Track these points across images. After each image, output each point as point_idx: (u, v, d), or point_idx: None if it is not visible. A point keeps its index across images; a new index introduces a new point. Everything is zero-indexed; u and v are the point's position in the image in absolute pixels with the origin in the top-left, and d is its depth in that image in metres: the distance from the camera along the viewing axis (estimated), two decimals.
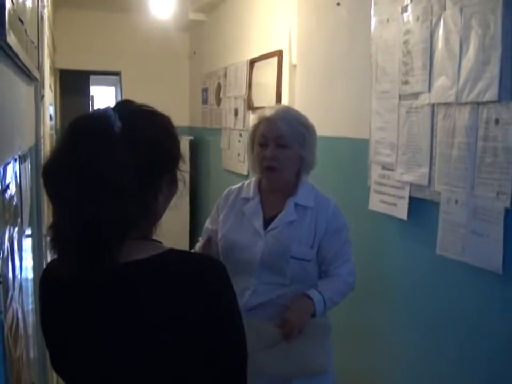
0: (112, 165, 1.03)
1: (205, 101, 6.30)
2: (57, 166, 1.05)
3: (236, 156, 4.97)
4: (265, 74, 4.36)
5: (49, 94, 4.28)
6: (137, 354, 1.07)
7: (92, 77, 8.98)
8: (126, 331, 1.07)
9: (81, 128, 1.09)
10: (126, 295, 1.08)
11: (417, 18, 2.20)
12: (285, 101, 3.98)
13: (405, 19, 2.29)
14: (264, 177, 2.08)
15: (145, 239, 1.15)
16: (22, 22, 1.42)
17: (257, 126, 2.08)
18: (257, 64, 4.60)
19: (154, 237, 1.19)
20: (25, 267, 1.76)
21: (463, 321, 2.05)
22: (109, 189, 1.02)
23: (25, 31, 1.55)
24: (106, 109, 1.11)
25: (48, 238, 1.09)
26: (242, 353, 1.18)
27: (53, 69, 5.67)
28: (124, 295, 1.08)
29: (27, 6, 1.61)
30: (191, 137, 6.58)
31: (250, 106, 4.68)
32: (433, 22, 2.09)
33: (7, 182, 1.24)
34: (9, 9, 1.15)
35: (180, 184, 1.22)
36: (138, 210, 1.07)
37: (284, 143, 2.00)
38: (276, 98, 4.10)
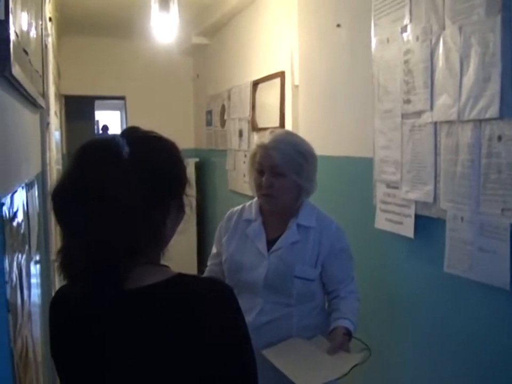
0: (120, 190, 1.04)
1: (209, 123, 6.34)
2: (66, 191, 1.06)
3: (242, 177, 4.98)
4: (269, 95, 4.39)
5: (54, 120, 4.33)
6: (146, 381, 1.07)
7: (97, 102, 9.10)
8: (133, 357, 1.07)
9: (89, 154, 1.10)
10: (134, 321, 1.08)
11: (417, 38, 2.21)
12: (288, 121, 4.01)
13: (405, 39, 2.31)
14: (262, 202, 2.11)
15: (154, 264, 1.15)
16: (26, 53, 1.44)
17: (255, 152, 2.09)
18: (260, 86, 4.64)
19: (163, 261, 1.20)
20: (34, 293, 1.77)
21: (472, 338, 2.03)
22: (117, 215, 1.03)
23: (30, 61, 1.57)
24: (114, 135, 1.13)
25: (56, 263, 1.10)
26: (253, 377, 1.18)
27: (58, 95, 5.73)
28: (132, 322, 1.08)
29: (31, 37, 1.64)
30: (197, 159, 6.61)
31: (255, 127, 4.71)
32: (433, 41, 2.11)
33: (14, 210, 1.26)
34: (13, 41, 1.17)
35: (187, 209, 1.23)
36: (147, 236, 1.07)
37: (279, 172, 2.01)
38: (279, 119, 4.13)
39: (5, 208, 1.11)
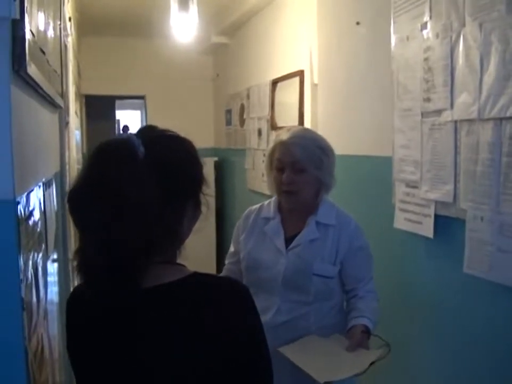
0: (136, 190, 1.04)
1: (229, 122, 6.35)
2: (82, 192, 1.07)
3: (260, 176, 4.98)
4: (288, 94, 4.38)
5: (74, 120, 4.37)
6: (165, 378, 1.07)
7: (117, 102, 9.16)
8: (148, 356, 1.07)
9: (105, 154, 1.10)
10: (150, 319, 1.08)
11: (437, 35, 2.18)
12: (307, 120, 3.99)
13: (425, 36, 2.28)
14: (282, 200, 2.09)
15: (170, 263, 1.15)
16: (43, 52, 1.45)
17: (273, 149, 2.07)
18: (279, 85, 4.63)
19: (179, 260, 1.20)
20: (51, 291, 1.78)
21: (492, 339, 2.00)
22: (133, 214, 1.03)
23: (47, 60, 1.58)
24: (130, 135, 1.13)
25: (73, 263, 1.10)
26: (268, 378, 1.17)
27: (79, 95, 5.79)
28: (148, 320, 1.08)
29: (49, 37, 1.65)
30: (216, 158, 6.62)
31: (274, 126, 4.70)
32: (453, 38, 2.08)
33: (30, 209, 1.26)
34: (29, 40, 1.18)
35: (204, 208, 1.23)
36: (163, 235, 1.07)
37: (300, 168, 1.99)
38: (298, 118, 4.11)
39: (20, 207, 1.11)
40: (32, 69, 1.19)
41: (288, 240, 2.06)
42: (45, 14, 1.54)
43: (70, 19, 3.75)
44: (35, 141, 1.46)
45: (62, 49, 2.31)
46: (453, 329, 2.23)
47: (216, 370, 1.08)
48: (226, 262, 2.28)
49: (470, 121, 2.00)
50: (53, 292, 1.80)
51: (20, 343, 1.06)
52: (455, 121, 2.10)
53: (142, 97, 7.22)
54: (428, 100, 2.28)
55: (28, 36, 1.17)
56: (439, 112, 2.21)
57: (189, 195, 1.16)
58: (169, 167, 1.11)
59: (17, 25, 1.09)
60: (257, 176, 5.12)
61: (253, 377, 1.14)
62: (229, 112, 6.33)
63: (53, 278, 1.91)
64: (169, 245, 1.13)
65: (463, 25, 2.02)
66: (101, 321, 1.11)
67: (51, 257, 1.83)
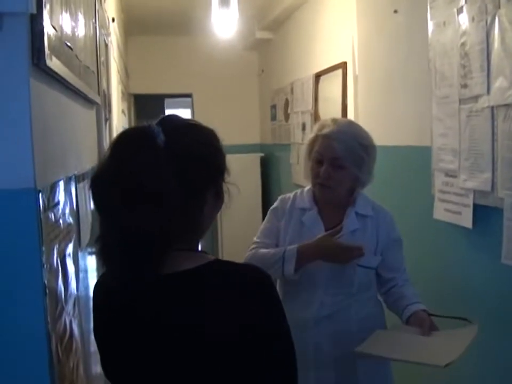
0: (155, 177, 1.05)
1: (274, 118, 6.36)
2: (103, 179, 1.10)
3: None
4: (331, 87, 4.35)
5: (121, 118, 4.47)
6: (185, 362, 1.09)
7: (167, 100, 9.29)
8: (171, 340, 1.09)
9: (125, 142, 1.13)
10: (171, 305, 1.10)
11: (473, 19, 2.12)
12: (350, 112, 3.94)
13: (461, 21, 2.22)
14: (316, 191, 2.06)
15: (191, 250, 1.17)
16: (70, 48, 1.49)
17: (314, 140, 2.03)
18: (322, 78, 4.60)
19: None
20: (87, 285, 1.83)
21: None
22: (152, 201, 1.05)
23: (77, 56, 1.63)
24: (150, 124, 1.15)
25: (95, 249, 1.14)
26: (292, 365, 1.17)
27: (127, 94, 5.92)
28: (169, 305, 1.10)
29: (78, 34, 1.70)
30: (262, 154, 6.65)
31: (317, 120, 4.66)
32: (489, 21, 2.02)
33: (55, 200, 1.30)
34: (50, 35, 1.22)
35: (226, 197, 1.23)
36: (182, 222, 1.08)
37: (340, 164, 1.95)
38: (341, 111, 4.07)
39: (43, 196, 1.15)
40: (53, 63, 1.22)
41: (328, 231, 2.02)
42: (72, 11, 1.58)
43: (113, 19, 3.85)
44: (63, 133, 1.50)
45: (99, 48, 2.36)
46: (491, 320, 2.17)
47: (236, 353, 1.09)
48: (257, 241, 2.09)
49: (506, 106, 1.94)
50: (91, 286, 1.84)
51: (41, 325, 1.10)
52: (492, 107, 2.04)
53: (189, 96, 7.31)
54: (465, 86, 2.22)
55: (49, 30, 1.20)
56: (476, 98, 2.15)
57: (209, 184, 1.16)
58: (189, 155, 1.12)
59: (35, 20, 1.12)
60: (302, 171, 5.09)
61: (278, 359, 1.14)
62: (274, 107, 6.34)
63: (91, 272, 1.96)
64: (190, 233, 1.15)
65: (498, 7, 1.95)
66: (122, 307, 1.14)
67: (88, 250, 1.87)
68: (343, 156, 1.94)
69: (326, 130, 1.98)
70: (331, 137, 1.95)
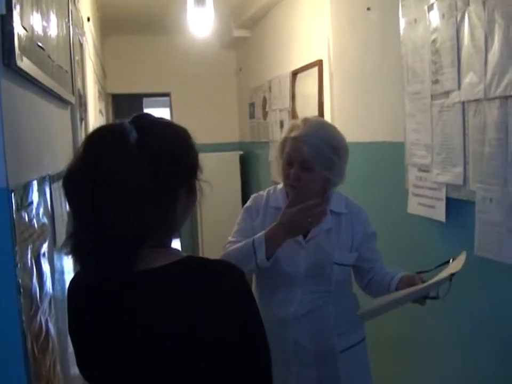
0: (127, 174, 1.07)
1: (252, 116, 6.38)
2: (75, 175, 1.10)
3: None
4: (307, 84, 4.37)
5: (98, 118, 4.45)
6: (159, 360, 1.10)
7: (146, 100, 9.26)
8: (147, 338, 1.10)
9: (97, 138, 1.14)
10: (144, 301, 1.11)
11: (443, 16, 2.16)
12: (327, 110, 3.97)
13: (432, 18, 2.26)
14: (288, 191, 2.05)
15: (164, 247, 1.18)
16: (42, 48, 1.49)
17: (285, 141, 2.01)
18: (299, 75, 4.62)
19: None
20: (64, 285, 1.82)
21: (504, 321, 1.98)
22: (123, 197, 1.06)
23: (49, 56, 1.62)
24: (123, 121, 1.15)
25: (67, 247, 1.14)
26: (266, 361, 1.18)
27: (104, 94, 5.88)
28: (142, 302, 1.11)
29: (49, 33, 1.69)
30: (241, 152, 6.66)
31: (295, 118, 4.68)
32: (458, 18, 2.05)
33: (29, 199, 1.30)
34: (21, 35, 1.22)
35: (198, 194, 1.25)
36: (155, 219, 1.09)
37: (309, 167, 1.94)
38: (318, 108, 4.10)
39: (15, 196, 1.15)
40: (24, 63, 1.23)
41: None
42: (43, 11, 1.58)
43: (88, 19, 3.83)
44: (36, 134, 1.50)
45: (73, 47, 2.35)
46: (464, 312, 2.21)
47: (211, 350, 1.10)
48: (232, 241, 2.06)
49: (477, 101, 1.98)
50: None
51: (16, 323, 1.10)
52: (463, 102, 2.08)
53: (167, 95, 7.29)
54: (436, 82, 2.26)
55: (19, 30, 1.20)
56: (447, 93, 2.19)
57: (181, 181, 1.17)
58: (161, 152, 1.13)
59: (5, 21, 1.12)
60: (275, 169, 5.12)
61: (251, 358, 1.16)
62: (252, 105, 6.35)
63: (69, 274, 1.95)
64: (163, 230, 1.15)
65: (468, 4, 1.99)
66: (96, 305, 1.14)
67: (63, 251, 1.86)
68: (312, 159, 1.92)
69: (295, 133, 1.96)
70: (300, 140, 1.93)
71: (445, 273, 1.74)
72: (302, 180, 1.95)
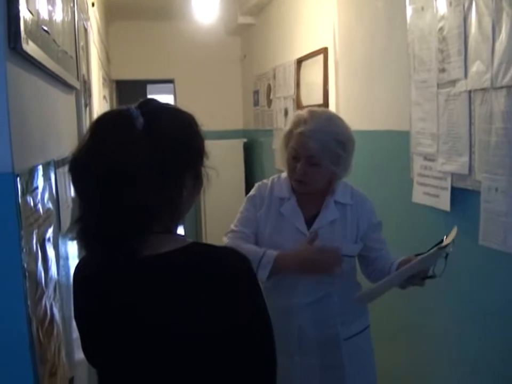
0: (133, 160, 1.06)
1: (256, 103, 6.35)
2: (81, 160, 1.10)
3: None
4: (312, 72, 4.35)
5: (102, 104, 4.44)
6: (163, 347, 1.10)
7: (150, 86, 9.24)
8: (148, 321, 1.10)
9: (103, 124, 1.14)
10: (150, 287, 1.11)
11: (450, 4, 2.14)
12: (332, 98, 3.95)
13: (439, 5, 2.24)
14: (294, 185, 2.03)
15: (170, 233, 1.18)
16: (47, 32, 1.48)
17: (290, 134, 1.98)
18: (304, 63, 4.60)
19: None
20: (69, 271, 1.82)
21: (506, 311, 1.98)
22: (130, 183, 1.06)
23: (54, 41, 1.62)
24: (129, 107, 1.15)
25: (73, 233, 1.14)
26: (271, 348, 1.18)
27: (108, 80, 5.86)
28: (147, 287, 1.11)
29: (54, 18, 1.68)
30: (245, 140, 6.64)
31: (299, 106, 4.67)
32: (466, 6, 2.03)
33: (34, 185, 1.30)
34: (27, 19, 1.21)
35: (204, 181, 1.24)
36: (161, 205, 1.10)
37: (315, 162, 1.92)
38: (323, 96, 4.08)
39: (21, 180, 1.15)
40: (29, 47, 1.22)
41: (308, 222, 2.03)
42: None
43: (93, 4, 3.81)
44: (41, 118, 1.49)
45: (78, 33, 2.34)
46: (467, 301, 2.21)
47: (216, 337, 1.10)
48: (234, 230, 2.06)
49: (483, 90, 1.96)
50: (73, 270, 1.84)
51: (21, 307, 1.11)
52: (469, 91, 2.06)
53: (171, 81, 7.26)
54: (443, 70, 2.24)
55: (25, 14, 1.20)
56: (453, 82, 2.17)
57: (187, 167, 1.17)
58: (167, 138, 1.13)
59: (11, 4, 1.12)
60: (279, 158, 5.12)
61: (256, 346, 1.16)
62: (256, 93, 6.33)
63: (74, 259, 1.96)
64: (168, 215, 1.15)
65: None
66: (101, 290, 1.15)
67: (68, 236, 1.86)
68: (319, 154, 1.91)
69: (301, 128, 1.93)
70: (306, 135, 1.90)
71: (436, 247, 1.78)
72: (308, 174, 1.95)
